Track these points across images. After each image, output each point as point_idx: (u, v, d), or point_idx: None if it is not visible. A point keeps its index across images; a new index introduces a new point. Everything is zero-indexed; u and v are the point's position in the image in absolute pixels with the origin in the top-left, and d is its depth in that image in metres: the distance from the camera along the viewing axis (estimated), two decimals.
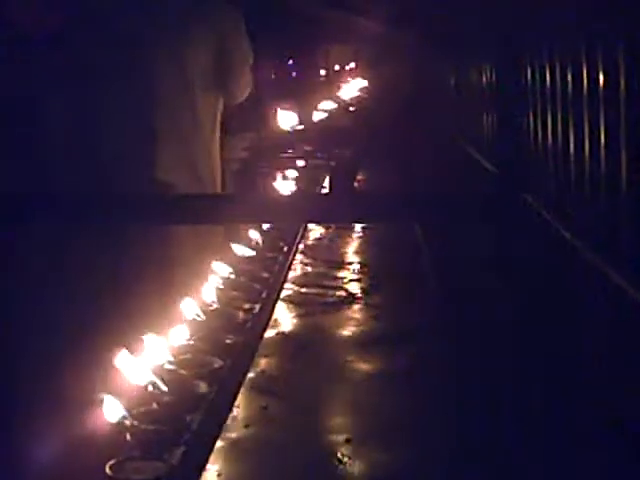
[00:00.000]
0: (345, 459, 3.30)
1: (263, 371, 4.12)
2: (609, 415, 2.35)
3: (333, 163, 8.36)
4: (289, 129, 9.21)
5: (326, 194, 7.05)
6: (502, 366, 3.50)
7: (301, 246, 6.41)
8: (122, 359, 3.04)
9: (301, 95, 10.65)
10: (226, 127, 8.80)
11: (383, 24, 10.11)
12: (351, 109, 12.70)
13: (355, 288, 5.55)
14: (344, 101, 13.32)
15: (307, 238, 6.79)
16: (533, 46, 2.96)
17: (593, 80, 2.31)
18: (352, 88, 14.16)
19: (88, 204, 3.73)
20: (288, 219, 5.26)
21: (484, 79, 4.41)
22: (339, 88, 13.74)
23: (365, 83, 14.05)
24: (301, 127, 9.25)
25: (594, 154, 2.32)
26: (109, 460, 2.73)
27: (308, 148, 9.35)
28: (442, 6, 5.90)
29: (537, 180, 2.98)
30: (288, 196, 6.41)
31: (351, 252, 6.61)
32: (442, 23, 6.21)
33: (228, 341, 3.70)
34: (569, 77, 2.53)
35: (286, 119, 9.02)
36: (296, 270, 5.84)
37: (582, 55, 2.39)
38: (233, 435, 3.43)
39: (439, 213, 4.17)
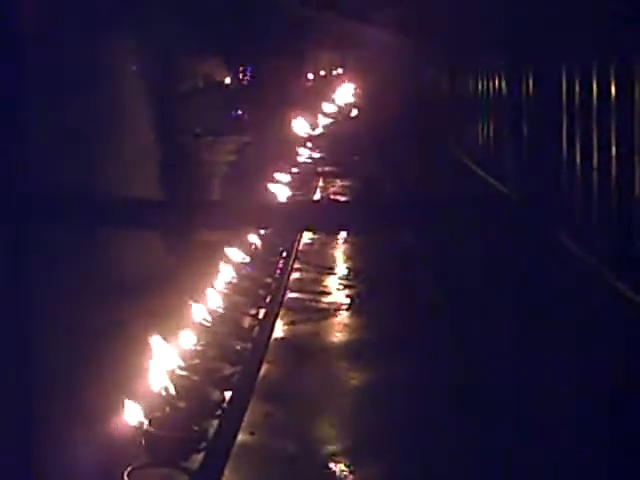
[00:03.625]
0: (344, 471, 3.31)
1: (264, 377, 4.12)
2: None
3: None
4: (303, 134, 9.21)
5: (319, 201, 7.04)
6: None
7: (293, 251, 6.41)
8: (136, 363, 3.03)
9: (292, 100, 10.63)
10: (214, 130, 8.80)
11: (375, 28, 10.11)
12: (350, 115, 12.66)
13: (347, 295, 5.56)
14: (339, 106, 13.27)
15: (299, 243, 6.79)
16: (559, 56, 2.86)
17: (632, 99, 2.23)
18: (343, 94, 14.08)
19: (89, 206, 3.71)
20: (283, 226, 5.25)
21: (493, 89, 4.33)
22: (328, 94, 13.68)
23: (356, 89, 13.98)
24: (318, 132, 9.28)
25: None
26: (127, 467, 2.71)
27: (320, 154, 9.33)
28: (442, 11, 5.88)
29: (556, 205, 2.85)
30: (282, 203, 6.40)
31: (342, 258, 6.62)
32: (440, 28, 6.19)
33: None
34: (604, 94, 2.43)
35: (298, 124, 9.01)
36: (291, 276, 5.84)
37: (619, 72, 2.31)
38: (239, 442, 3.43)
39: (443, 224, 4.16)
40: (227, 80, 10.39)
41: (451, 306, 4.91)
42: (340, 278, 5.97)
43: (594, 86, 2.62)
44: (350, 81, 14.54)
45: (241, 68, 10.23)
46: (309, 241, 6.94)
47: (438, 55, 6.74)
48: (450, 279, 5.21)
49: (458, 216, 4.11)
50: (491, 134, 4.60)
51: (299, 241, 6.65)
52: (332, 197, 8.01)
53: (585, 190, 2.57)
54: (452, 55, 5.98)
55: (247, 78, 10.31)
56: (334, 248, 6.82)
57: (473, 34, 4.93)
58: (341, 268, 6.25)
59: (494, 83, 4.44)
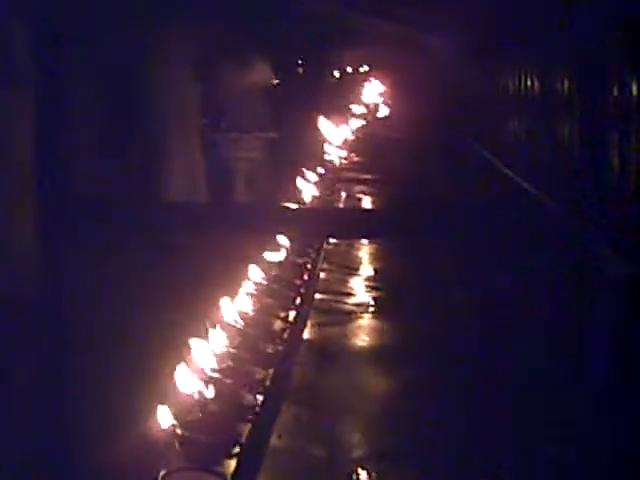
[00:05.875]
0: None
1: (294, 379, 4.11)
2: None
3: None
4: (330, 134, 9.14)
5: (344, 208, 7.01)
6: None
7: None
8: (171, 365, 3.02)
9: (318, 98, 10.60)
10: (239, 125, 8.78)
11: (401, 25, 10.07)
12: (379, 115, 12.54)
13: (373, 297, 5.54)
14: (367, 105, 13.14)
15: (326, 244, 6.76)
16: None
17: None
18: (371, 92, 13.98)
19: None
20: (306, 234, 5.24)
21: (529, 88, 4.21)
22: (355, 91, 13.61)
23: (384, 87, 13.88)
24: (345, 132, 9.17)
25: None
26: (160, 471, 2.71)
27: (347, 157, 9.26)
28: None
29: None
30: (305, 209, 6.36)
31: (368, 259, 6.59)
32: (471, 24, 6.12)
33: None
34: None
35: (324, 124, 8.95)
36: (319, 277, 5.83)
37: None
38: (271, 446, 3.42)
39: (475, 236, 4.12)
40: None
41: (481, 311, 4.90)
42: (367, 280, 5.95)
43: None
44: (377, 79, 14.45)
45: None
46: (336, 241, 6.92)
47: (468, 52, 6.69)
48: (482, 283, 5.18)
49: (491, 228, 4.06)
50: (525, 135, 4.55)
51: (326, 243, 6.63)
52: (358, 203, 7.98)
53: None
54: (483, 52, 5.92)
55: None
56: (361, 250, 6.80)
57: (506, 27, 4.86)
58: (368, 269, 6.23)
59: (530, 81, 4.37)
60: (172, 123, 6.34)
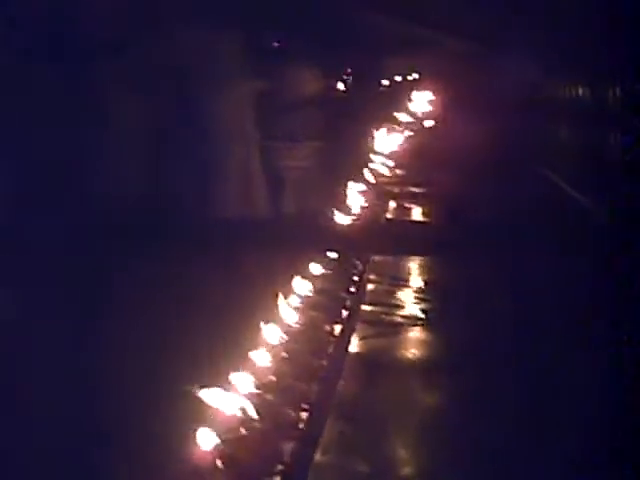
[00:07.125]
0: None
1: (339, 394, 4.08)
2: None
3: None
4: (377, 145, 9.12)
5: (392, 221, 6.95)
6: None
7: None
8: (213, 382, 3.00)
9: (366, 107, 10.58)
10: (290, 134, 8.79)
11: (450, 35, 10.05)
12: (430, 126, 12.47)
13: (422, 309, 5.48)
14: (415, 115, 13.04)
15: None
16: None
17: None
18: (419, 102, 13.92)
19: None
20: (353, 249, 5.22)
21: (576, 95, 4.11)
22: (403, 101, 13.55)
23: (432, 97, 13.80)
24: (392, 143, 9.07)
25: None
26: None
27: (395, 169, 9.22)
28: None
29: None
30: (352, 224, 6.32)
31: (417, 270, 6.53)
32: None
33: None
34: None
35: (372, 134, 8.93)
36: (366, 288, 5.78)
37: None
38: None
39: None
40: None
41: (530, 326, 4.83)
42: (415, 291, 5.89)
43: None
44: (426, 88, 14.37)
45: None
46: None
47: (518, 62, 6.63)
48: (531, 298, 5.11)
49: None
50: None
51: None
52: (406, 216, 7.92)
53: None
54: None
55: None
56: (409, 260, 6.74)
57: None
58: (416, 281, 6.17)
59: (580, 89, 4.29)
60: (226, 132, 6.36)
